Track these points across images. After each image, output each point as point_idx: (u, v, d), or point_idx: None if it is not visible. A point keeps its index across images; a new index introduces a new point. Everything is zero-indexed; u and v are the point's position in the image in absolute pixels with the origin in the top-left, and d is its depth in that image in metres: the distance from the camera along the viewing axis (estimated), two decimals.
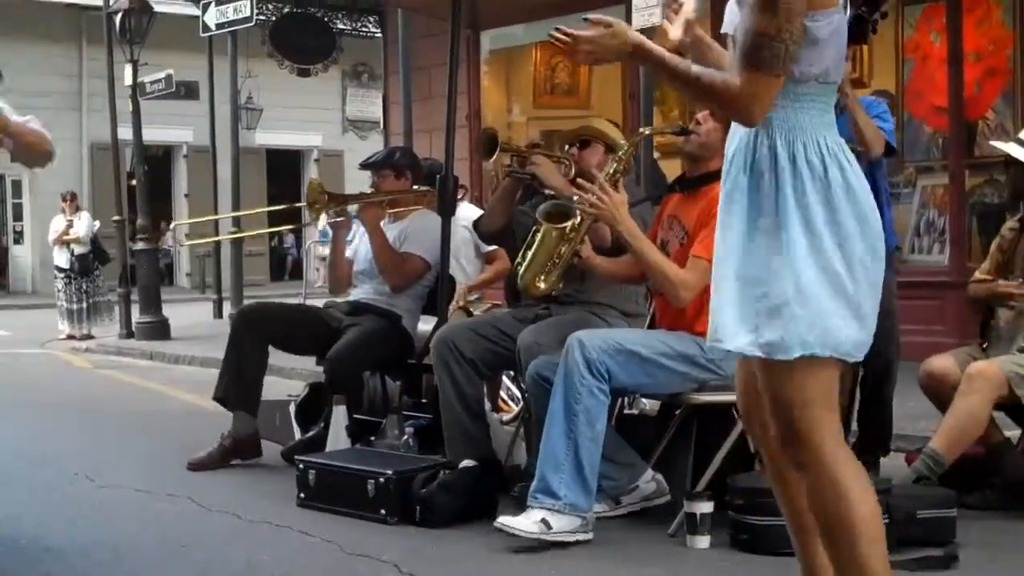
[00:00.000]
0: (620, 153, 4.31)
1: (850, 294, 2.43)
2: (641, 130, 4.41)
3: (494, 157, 4.86)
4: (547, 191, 4.64)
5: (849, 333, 2.42)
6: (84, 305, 13.08)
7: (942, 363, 4.38)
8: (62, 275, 13.16)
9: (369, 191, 5.76)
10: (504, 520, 3.85)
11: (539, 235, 4.26)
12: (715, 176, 3.89)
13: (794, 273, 2.40)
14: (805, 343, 2.39)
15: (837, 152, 2.46)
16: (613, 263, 4.34)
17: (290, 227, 6.56)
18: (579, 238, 4.23)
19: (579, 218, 4.19)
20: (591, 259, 4.29)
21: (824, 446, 2.44)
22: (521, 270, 4.30)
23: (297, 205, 5.81)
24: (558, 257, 4.23)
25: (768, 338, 2.41)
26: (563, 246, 4.23)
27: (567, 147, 4.76)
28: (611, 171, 4.23)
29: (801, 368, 2.41)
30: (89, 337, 12.79)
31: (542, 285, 4.26)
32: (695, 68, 2.46)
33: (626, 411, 4.84)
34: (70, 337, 12.83)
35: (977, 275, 4.68)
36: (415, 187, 5.75)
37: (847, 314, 2.42)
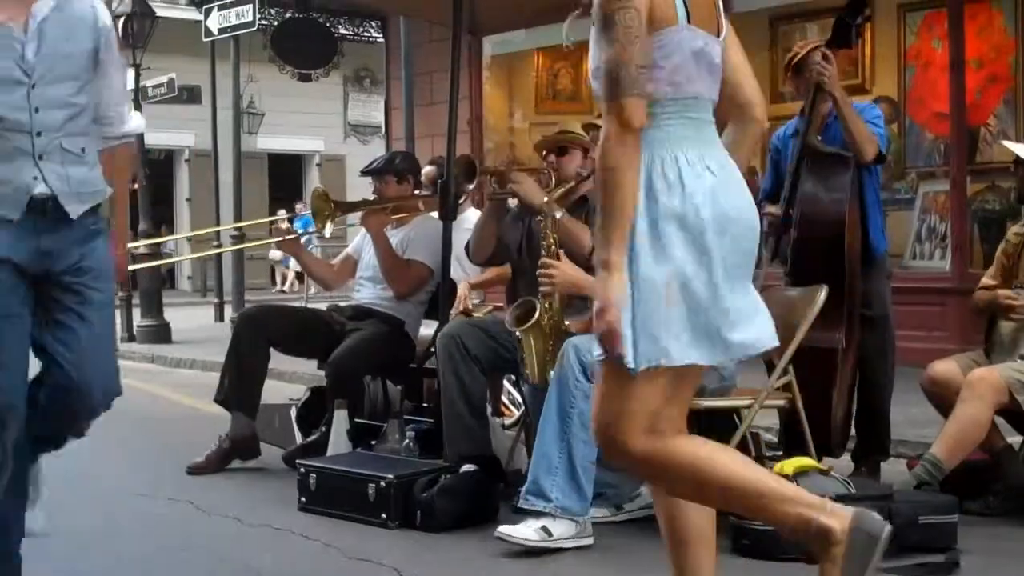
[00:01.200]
0: (545, 223, 4.27)
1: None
2: (551, 194, 4.41)
3: (474, 183, 4.88)
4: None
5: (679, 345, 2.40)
6: None
7: (945, 368, 4.36)
8: None
9: (371, 197, 5.76)
10: (504, 529, 3.85)
11: (522, 342, 4.24)
12: None
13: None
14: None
15: (696, 163, 2.42)
16: None
17: (293, 236, 6.51)
18: (559, 319, 4.21)
19: (545, 302, 4.20)
20: (584, 331, 4.29)
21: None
22: (529, 377, 4.28)
23: (303, 214, 5.81)
24: (552, 348, 4.18)
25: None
26: (548, 340, 4.19)
27: (545, 155, 4.75)
28: (547, 242, 4.21)
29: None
30: None
31: None
32: None
33: None
34: None
35: (984, 281, 4.67)
36: (416, 192, 5.76)
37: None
